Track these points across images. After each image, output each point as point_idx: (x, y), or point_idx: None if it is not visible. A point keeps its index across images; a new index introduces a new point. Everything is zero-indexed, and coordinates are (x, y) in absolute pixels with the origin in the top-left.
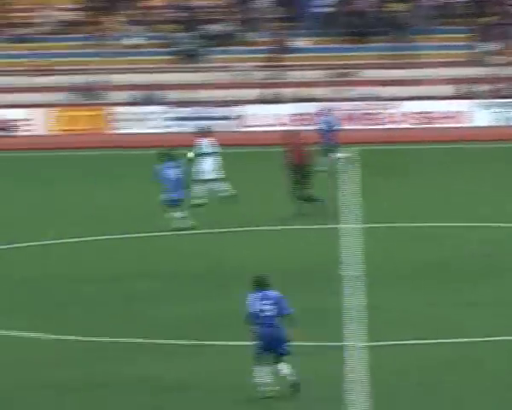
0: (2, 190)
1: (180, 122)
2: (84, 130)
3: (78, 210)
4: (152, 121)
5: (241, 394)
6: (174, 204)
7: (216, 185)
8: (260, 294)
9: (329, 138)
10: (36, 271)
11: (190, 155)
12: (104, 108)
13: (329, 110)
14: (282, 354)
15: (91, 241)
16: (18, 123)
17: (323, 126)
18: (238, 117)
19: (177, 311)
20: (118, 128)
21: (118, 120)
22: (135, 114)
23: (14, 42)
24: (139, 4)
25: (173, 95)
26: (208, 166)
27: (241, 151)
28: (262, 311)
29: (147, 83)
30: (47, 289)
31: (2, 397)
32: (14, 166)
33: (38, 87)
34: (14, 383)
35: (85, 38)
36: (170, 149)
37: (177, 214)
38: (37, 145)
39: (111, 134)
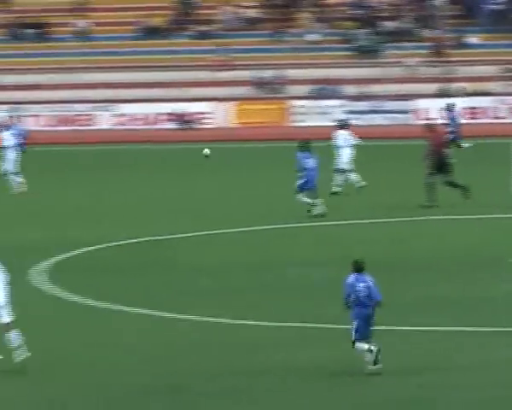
0: (191, 180)
1: (356, 115)
2: (263, 123)
3: (261, 199)
4: (329, 115)
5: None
6: (312, 191)
7: (351, 177)
8: (358, 276)
9: (455, 131)
10: (219, 259)
11: (206, 151)
12: (285, 101)
13: (453, 105)
14: (369, 337)
15: (271, 229)
16: (201, 116)
17: (451, 119)
18: (414, 111)
19: None
20: (296, 121)
21: (296, 114)
22: (313, 107)
23: (197, 38)
24: (318, 2)
25: (350, 89)
26: (345, 158)
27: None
28: (360, 292)
29: (325, 77)
30: (226, 276)
31: (187, 382)
32: (199, 158)
33: (221, 81)
34: (198, 368)
35: (268, 35)
36: (308, 141)
37: (316, 201)
38: (219, 137)
39: (289, 127)
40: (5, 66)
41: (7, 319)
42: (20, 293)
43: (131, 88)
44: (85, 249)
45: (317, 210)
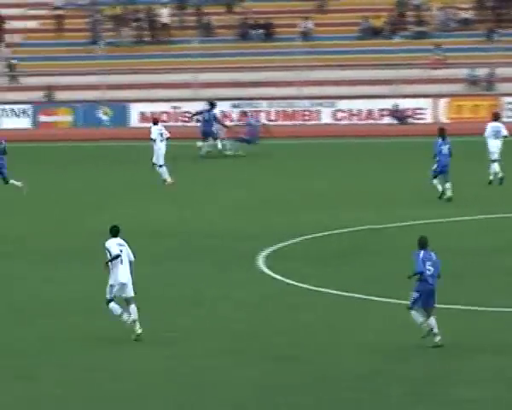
0: (411, 171)
1: None
2: (474, 118)
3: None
4: None
5: None
6: (444, 174)
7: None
8: (425, 254)
9: None
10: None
11: (199, 143)
12: (497, 98)
13: None
14: (431, 309)
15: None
16: (416, 112)
17: None
18: None
19: None
20: (507, 117)
21: (507, 110)
22: None
23: (414, 38)
24: None
25: None
26: (493, 148)
27: None
28: (428, 269)
29: None
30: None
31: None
32: (416, 150)
33: (436, 79)
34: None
35: (481, 35)
36: (443, 129)
37: (448, 185)
38: (433, 132)
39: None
40: (234, 64)
41: (131, 293)
42: (247, 278)
43: (353, 85)
44: (315, 235)
45: (447, 194)
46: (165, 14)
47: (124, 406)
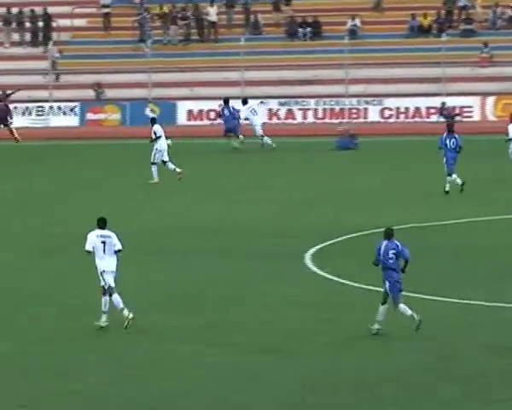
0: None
1: None
2: None
3: None
4: None
5: None
6: (450, 169)
7: None
8: (388, 243)
9: None
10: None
11: (168, 142)
12: None
13: None
14: (397, 297)
15: None
16: (463, 110)
17: None
18: None
19: None
20: None
21: None
22: None
23: (461, 36)
24: None
25: None
26: None
27: None
28: (390, 258)
29: None
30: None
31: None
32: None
33: (483, 77)
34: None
35: None
36: (452, 124)
37: (453, 177)
38: (478, 130)
39: None
40: (281, 62)
41: (112, 283)
42: (296, 275)
43: (400, 83)
44: (361, 233)
45: (447, 187)
46: (212, 13)
47: (167, 404)
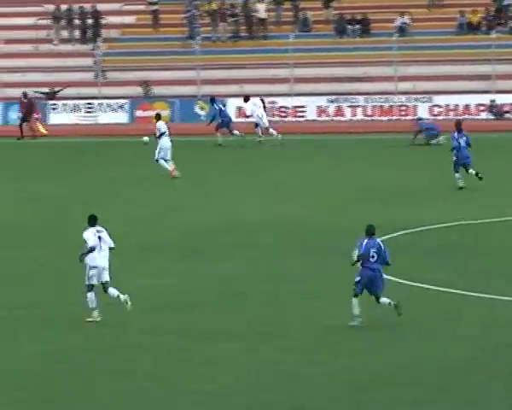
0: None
1: None
2: None
3: None
4: None
5: None
6: (467, 165)
7: None
8: (370, 240)
9: None
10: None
11: (145, 139)
12: None
13: None
14: (377, 293)
15: None
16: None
17: None
18: None
19: None
20: None
21: None
22: None
23: (510, 33)
24: None
25: None
26: None
27: None
28: (371, 256)
29: None
30: None
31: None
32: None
33: None
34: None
35: None
36: (459, 122)
37: (470, 171)
38: None
39: None
40: (330, 59)
41: (107, 278)
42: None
43: (450, 80)
44: (412, 230)
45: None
46: (261, 10)
47: (219, 400)
